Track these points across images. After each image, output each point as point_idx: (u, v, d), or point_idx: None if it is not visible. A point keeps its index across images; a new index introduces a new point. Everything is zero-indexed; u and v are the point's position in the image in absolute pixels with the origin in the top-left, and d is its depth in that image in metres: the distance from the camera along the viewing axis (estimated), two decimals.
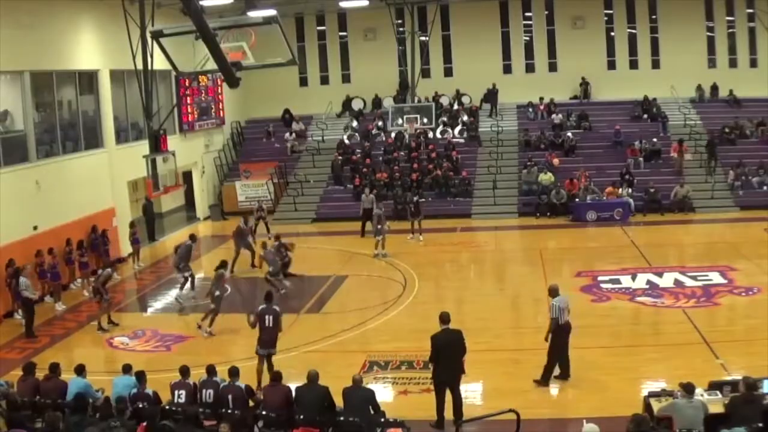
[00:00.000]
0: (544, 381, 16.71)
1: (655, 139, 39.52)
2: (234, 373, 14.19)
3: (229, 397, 13.92)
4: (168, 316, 23.97)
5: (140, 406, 13.49)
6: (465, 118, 43.27)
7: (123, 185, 32.39)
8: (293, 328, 21.81)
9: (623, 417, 11.65)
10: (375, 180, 38.17)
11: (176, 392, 14.08)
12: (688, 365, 16.83)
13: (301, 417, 13.09)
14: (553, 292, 16.85)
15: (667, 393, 13.28)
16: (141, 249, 31.32)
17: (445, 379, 15.14)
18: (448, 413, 14.93)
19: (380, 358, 18.90)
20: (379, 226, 30.71)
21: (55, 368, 14.77)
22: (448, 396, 15.07)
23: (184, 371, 14.43)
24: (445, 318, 15.33)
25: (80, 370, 14.71)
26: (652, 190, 35.80)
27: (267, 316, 17.44)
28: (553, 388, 16.70)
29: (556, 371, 16.84)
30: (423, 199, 34.59)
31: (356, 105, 46.24)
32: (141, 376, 14.33)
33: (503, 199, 37.45)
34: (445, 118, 43.07)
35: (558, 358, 16.73)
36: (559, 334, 16.62)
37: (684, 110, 42.03)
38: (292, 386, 13.76)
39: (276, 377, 14.10)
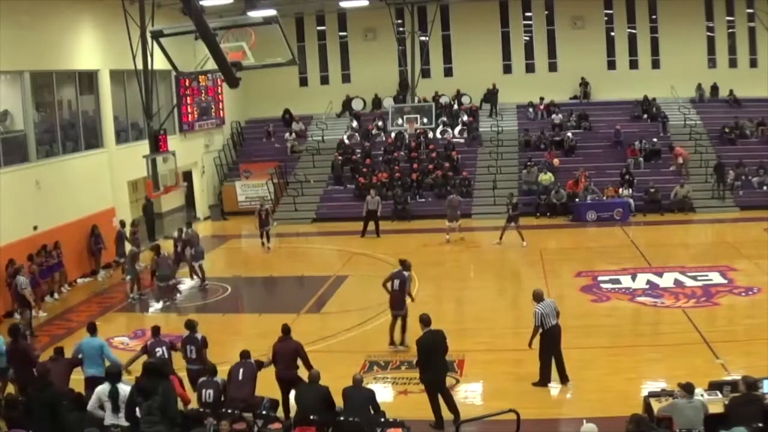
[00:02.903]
0: (542, 383, 16.67)
1: (655, 139, 39.52)
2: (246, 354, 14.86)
3: (240, 370, 14.48)
4: (168, 316, 23.95)
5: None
6: (465, 118, 43.27)
7: (123, 185, 32.38)
8: (293, 328, 21.75)
9: (623, 417, 11.66)
10: (380, 182, 38.17)
11: (204, 391, 14.20)
12: (688, 365, 16.81)
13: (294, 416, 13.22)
14: (537, 297, 16.72)
15: (667, 393, 13.28)
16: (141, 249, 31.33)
17: (434, 379, 15.18)
18: (446, 413, 14.93)
19: (380, 358, 18.89)
20: (457, 212, 32.43)
21: (61, 351, 15.41)
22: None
23: (212, 371, 14.63)
24: (426, 320, 15.45)
25: (93, 329, 15.48)
26: (652, 190, 35.80)
27: (395, 280, 19.36)
28: (553, 389, 16.69)
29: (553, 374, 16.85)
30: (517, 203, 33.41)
31: (356, 105, 46.23)
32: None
33: (503, 199, 37.29)
34: (445, 118, 43.06)
35: (548, 360, 16.65)
36: (546, 339, 16.52)
37: (684, 110, 42.03)
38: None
39: (285, 331, 15.25)
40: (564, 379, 16.70)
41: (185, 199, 41.85)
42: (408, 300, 19.55)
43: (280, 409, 14.63)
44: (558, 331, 16.59)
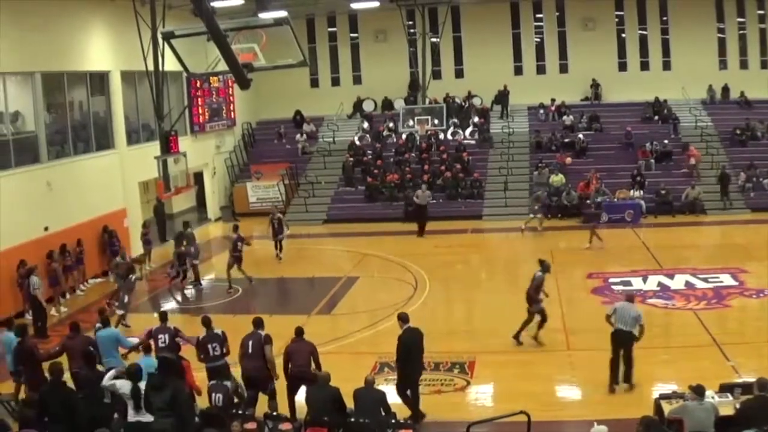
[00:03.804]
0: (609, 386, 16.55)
1: (666, 141, 39.44)
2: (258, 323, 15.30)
3: (250, 343, 15.03)
4: (176, 317, 23.95)
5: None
6: (476, 119, 43.25)
7: (134, 186, 32.47)
8: (304, 329, 21.81)
9: (633, 419, 11.64)
10: (393, 182, 38.14)
11: (213, 395, 14.28)
12: (698, 367, 16.81)
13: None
14: (627, 297, 17.21)
15: (677, 395, 13.24)
16: (152, 250, 31.38)
17: (416, 376, 15.46)
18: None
19: (391, 359, 18.83)
20: (536, 207, 33.29)
21: (77, 327, 16.14)
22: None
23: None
24: (404, 317, 15.63)
25: (106, 321, 16.06)
26: (663, 192, 35.74)
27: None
28: (563, 391, 16.70)
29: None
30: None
31: (367, 106, 46.26)
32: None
33: (514, 201, 37.39)
34: (456, 119, 43.02)
35: (613, 362, 16.56)
36: (612, 339, 16.56)
37: (695, 112, 41.94)
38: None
39: (298, 332, 15.27)
40: (626, 378, 16.55)
41: (196, 200, 42.00)
42: (542, 297, 19.83)
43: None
44: (622, 337, 16.39)
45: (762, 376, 12.69)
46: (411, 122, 40.45)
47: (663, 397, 13.49)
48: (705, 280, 24.63)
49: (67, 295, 26.51)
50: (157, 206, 34.49)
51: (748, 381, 12.93)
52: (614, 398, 15.73)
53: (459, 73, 46.16)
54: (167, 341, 16.18)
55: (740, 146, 39.28)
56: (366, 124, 44.43)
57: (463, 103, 44.73)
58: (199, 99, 39.19)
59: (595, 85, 44.29)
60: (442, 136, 41.99)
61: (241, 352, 15.07)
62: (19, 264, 23.85)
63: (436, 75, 44.92)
